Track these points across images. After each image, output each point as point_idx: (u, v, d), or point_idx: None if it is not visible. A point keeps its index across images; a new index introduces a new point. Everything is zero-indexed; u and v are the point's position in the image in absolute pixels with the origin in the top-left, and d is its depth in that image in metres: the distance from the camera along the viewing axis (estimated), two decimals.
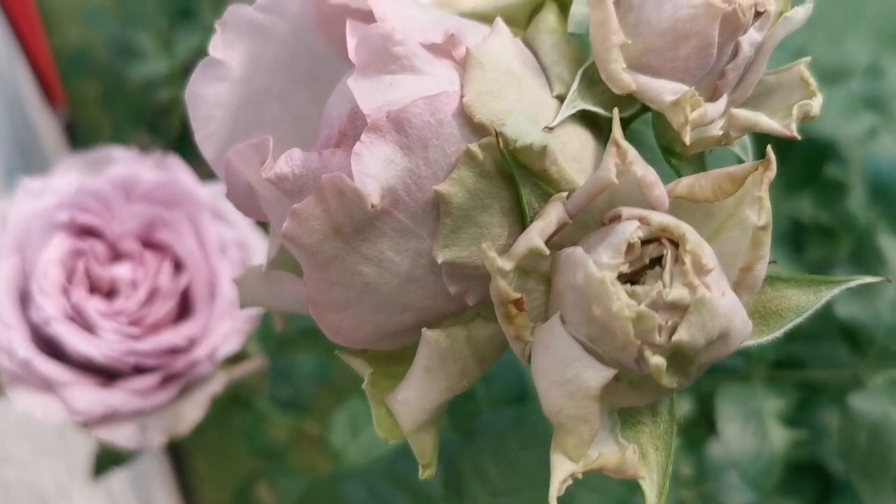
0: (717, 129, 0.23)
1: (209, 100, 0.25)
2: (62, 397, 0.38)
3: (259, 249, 0.43)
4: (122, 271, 0.40)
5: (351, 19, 0.22)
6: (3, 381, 0.39)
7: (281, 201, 0.22)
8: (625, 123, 0.25)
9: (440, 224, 0.20)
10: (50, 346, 0.39)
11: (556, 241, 0.21)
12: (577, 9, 0.24)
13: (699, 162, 0.24)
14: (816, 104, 0.22)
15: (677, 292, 0.18)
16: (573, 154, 0.21)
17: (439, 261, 0.21)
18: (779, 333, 0.21)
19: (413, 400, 0.23)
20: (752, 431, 0.44)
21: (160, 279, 0.41)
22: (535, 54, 0.23)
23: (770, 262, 0.21)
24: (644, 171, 0.19)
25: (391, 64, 0.20)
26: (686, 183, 0.21)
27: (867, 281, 0.21)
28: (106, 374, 0.39)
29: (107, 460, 0.52)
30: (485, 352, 0.23)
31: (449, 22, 0.22)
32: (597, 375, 0.19)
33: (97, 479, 0.52)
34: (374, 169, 0.20)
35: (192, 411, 0.40)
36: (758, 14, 0.22)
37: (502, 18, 0.23)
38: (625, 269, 0.19)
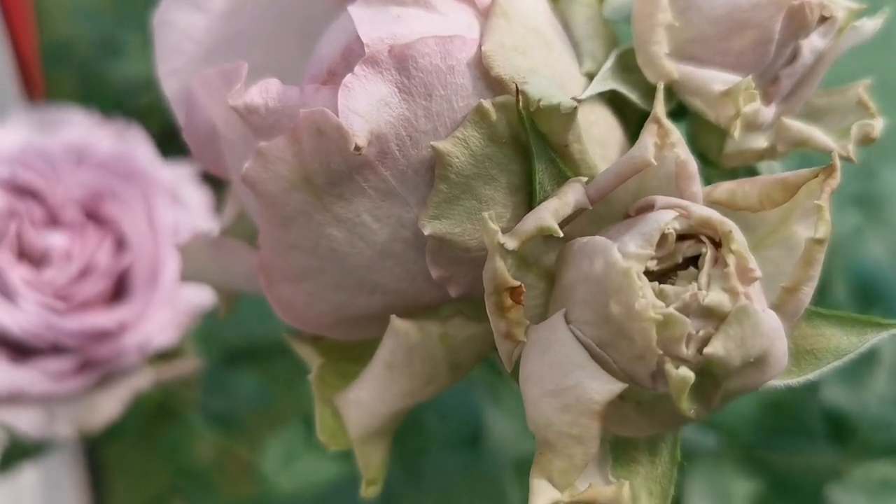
0: (762, 141, 0.20)
1: (180, 29, 0.22)
2: None
3: None
4: (57, 240, 0.36)
5: None
6: None
7: (247, 141, 0.18)
8: None
9: (433, 190, 0.17)
10: None
11: (566, 233, 0.17)
12: None
13: (733, 178, 0.21)
14: (878, 125, 0.19)
15: (716, 296, 0.15)
16: (598, 138, 0.18)
17: (426, 233, 0.17)
18: (811, 376, 0.18)
19: (367, 400, 0.19)
20: None
21: (98, 255, 0.37)
22: (566, 27, 0.20)
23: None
24: (687, 156, 0.16)
25: None
26: (727, 188, 0.18)
27: None
28: (19, 350, 0.35)
29: (14, 454, 0.47)
30: (459, 356, 0.19)
31: None
32: (603, 388, 0.15)
33: (2, 473, 0.47)
34: (365, 107, 0.16)
35: (109, 404, 0.35)
36: (823, 19, 0.19)
37: None
38: (652, 265, 0.16)
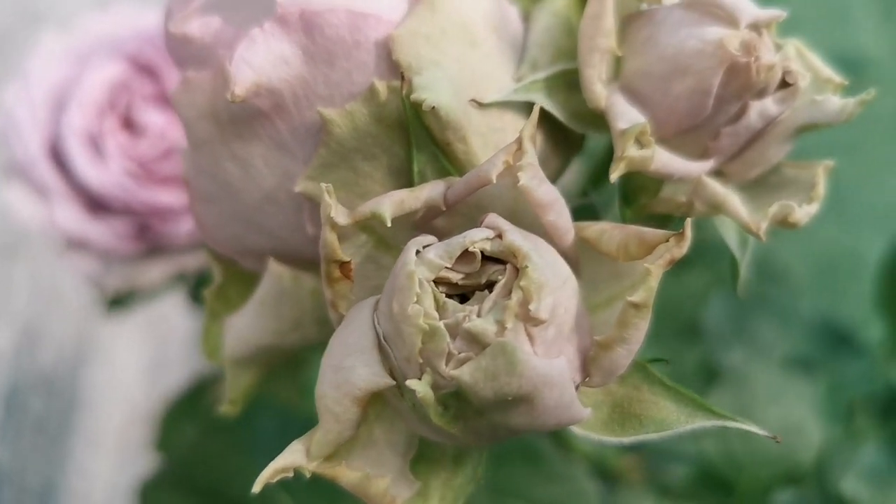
0: (681, 195, 0.19)
1: None
2: (50, 207, 0.39)
3: None
4: (157, 118, 0.40)
5: None
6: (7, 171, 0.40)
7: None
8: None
9: (316, 153, 0.18)
10: (59, 161, 0.40)
11: (439, 227, 0.18)
12: None
13: (658, 227, 0.20)
14: (804, 212, 0.18)
15: (480, 324, 0.15)
16: (502, 145, 0.18)
17: (296, 189, 0.18)
18: (626, 441, 0.17)
19: (241, 328, 0.21)
20: None
21: None
22: (527, 32, 0.20)
23: (661, 361, 0.18)
24: (533, 182, 0.16)
25: None
26: (599, 228, 0.17)
27: (748, 428, 0.17)
28: (96, 205, 0.39)
29: (123, 298, 0.53)
30: (326, 314, 0.20)
31: None
32: (368, 377, 0.16)
33: (113, 309, 0.53)
34: (260, 60, 0.17)
35: (154, 272, 0.39)
36: (785, 85, 0.18)
37: None
38: (458, 279, 0.16)
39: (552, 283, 0.15)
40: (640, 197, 0.20)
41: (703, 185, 0.18)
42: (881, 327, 0.76)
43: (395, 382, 0.16)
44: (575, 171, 0.22)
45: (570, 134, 0.20)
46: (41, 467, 0.74)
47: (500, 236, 0.16)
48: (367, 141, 0.18)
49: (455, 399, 0.15)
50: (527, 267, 0.15)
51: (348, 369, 0.16)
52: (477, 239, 0.15)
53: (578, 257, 0.17)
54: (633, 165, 0.17)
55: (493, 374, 0.14)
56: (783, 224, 0.18)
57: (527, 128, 0.16)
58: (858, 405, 0.59)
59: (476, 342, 0.15)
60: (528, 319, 0.15)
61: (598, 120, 0.19)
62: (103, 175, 0.39)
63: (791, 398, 0.42)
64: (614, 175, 0.17)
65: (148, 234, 0.39)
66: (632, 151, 0.17)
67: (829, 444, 0.44)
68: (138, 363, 0.81)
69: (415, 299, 0.15)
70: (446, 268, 0.15)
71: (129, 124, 0.41)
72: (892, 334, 0.73)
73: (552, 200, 0.16)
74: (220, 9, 0.20)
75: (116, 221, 0.39)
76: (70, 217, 0.39)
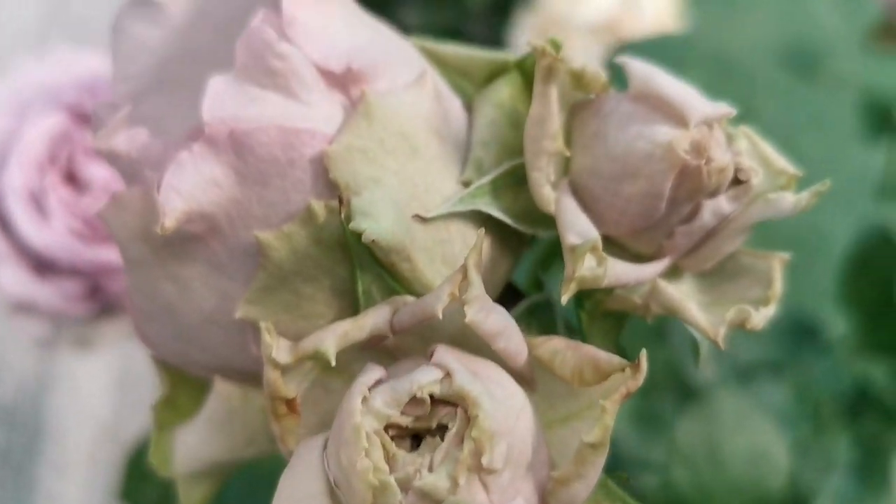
0: (636, 297, 0.18)
1: (137, 39, 0.22)
2: None
3: None
4: (100, 171, 0.39)
5: (267, 9, 0.18)
6: None
7: None
8: None
9: (255, 276, 0.17)
10: (1, 221, 0.38)
11: (389, 346, 0.17)
12: None
13: (614, 324, 0.19)
14: (760, 316, 0.17)
15: (433, 481, 0.14)
16: (447, 258, 0.18)
17: (236, 315, 0.17)
18: None
19: (192, 444, 0.20)
20: None
21: None
22: (472, 126, 0.19)
23: (620, 475, 0.17)
24: (480, 316, 0.15)
25: (265, 77, 0.17)
26: (553, 347, 0.16)
27: None
28: (41, 265, 0.38)
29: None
30: None
31: (374, 51, 0.18)
32: None
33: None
34: (189, 187, 0.16)
35: (112, 334, 0.38)
36: (737, 182, 0.18)
37: (459, 68, 0.20)
38: (408, 422, 0.15)
39: (505, 425, 0.15)
40: (596, 294, 0.19)
41: (658, 290, 0.18)
42: (845, 322, 0.76)
43: None
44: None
45: (524, 237, 0.19)
46: (8, 498, 0.73)
47: (448, 374, 0.15)
48: (307, 263, 0.17)
49: None
50: (478, 416, 0.14)
51: None
52: (424, 383, 0.15)
53: (533, 373, 0.17)
54: (585, 284, 0.16)
55: None
56: (741, 328, 0.17)
57: (471, 256, 0.15)
58: (826, 404, 0.59)
59: (428, 499, 0.14)
60: (482, 470, 0.14)
61: (549, 219, 0.18)
62: (46, 235, 0.37)
63: (758, 425, 0.42)
64: (566, 297, 0.16)
65: (99, 295, 0.38)
66: (583, 271, 0.16)
67: (799, 446, 0.44)
68: (103, 384, 0.80)
69: (363, 453, 0.14)
70: None
71: (72, 178, 0.39)
72: (857, 329, 0.73)
73: (501, 328, 0.16)
74: (147, 117, 0.19)
75: (64, 282, 0.38)
76: (15, 280, 0.37)
